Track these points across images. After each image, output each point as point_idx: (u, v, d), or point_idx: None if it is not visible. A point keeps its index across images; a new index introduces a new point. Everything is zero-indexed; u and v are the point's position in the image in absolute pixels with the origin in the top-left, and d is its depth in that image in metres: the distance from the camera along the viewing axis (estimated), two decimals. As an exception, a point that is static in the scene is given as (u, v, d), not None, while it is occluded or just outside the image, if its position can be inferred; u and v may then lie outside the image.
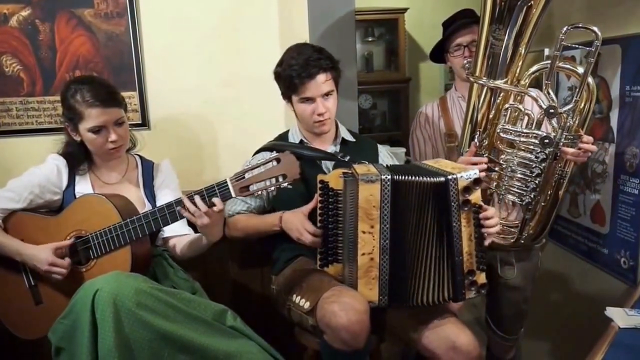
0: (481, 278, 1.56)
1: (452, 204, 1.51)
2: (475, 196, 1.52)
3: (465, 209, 1.52)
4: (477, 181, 1.52)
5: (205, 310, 1.56)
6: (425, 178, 1.52)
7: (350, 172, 1.61)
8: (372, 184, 1.50)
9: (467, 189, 1.51)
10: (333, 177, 1.65)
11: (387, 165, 1.73)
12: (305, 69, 1.74)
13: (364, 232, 1.52)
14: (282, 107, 2.20)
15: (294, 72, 1.75)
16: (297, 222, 1.72)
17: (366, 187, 1.50)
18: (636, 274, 1.85)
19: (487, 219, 1.56)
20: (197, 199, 1.55)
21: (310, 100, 1.79)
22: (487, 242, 1.59)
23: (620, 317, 1.55)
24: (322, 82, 1.77)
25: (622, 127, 1.87)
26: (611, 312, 1.59)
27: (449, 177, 1.50)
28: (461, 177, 1.50)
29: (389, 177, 1.50)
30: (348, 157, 1.83)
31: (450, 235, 1.52)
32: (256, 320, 1.78)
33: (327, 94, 1.80)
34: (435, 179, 1.52)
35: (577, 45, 1.67)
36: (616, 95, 1.89)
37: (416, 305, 1.57)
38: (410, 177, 1.52)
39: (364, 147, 1.95)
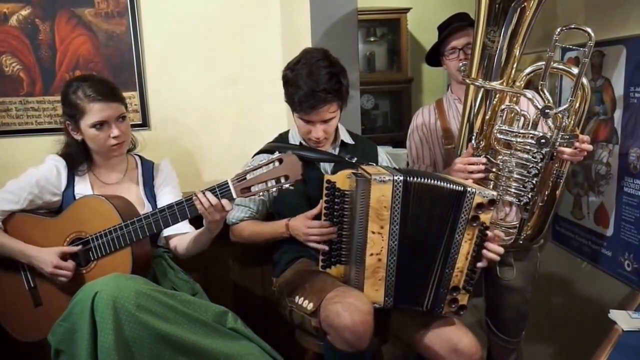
0: (464, 299, 1.55)
1: (462, 215, 1.49)
2: (486, 216, 1.50)
3: (474, 224, 1.50)
4: (492, 202, 1.50)
5: (206, 311, 1.56)
6: (440, 183, 1.51)
7: (360, 172, 1.60)
8: (384, 184, 1.49)
9: (481, 206, 1.49)
10: (340, 178, 1.65)
11: (398, 168, 1.72)
12: (310, 99, 1.69)
13: (373, 233, 1.51)
14: (284, 108, 2.19)
15: (297, 97, 1.71)
16: (301, 226, 1.73)
17: (378, 188, 1.49)
18: (640, 276, 1.84)
19: (493, 242, 1.55)
20: (209, 194, 1.54)
21: (309, 122, 1.78)
22: (481, 265, 1.55)
23: (624, 319, 1.55)
24: (324, 111, 1.74)
25: (625, 128, 1.86)
26: (615, 314, 1.58)
27: (468, 189, 1.48)
28: (479, 193, 1.48)
29: (401, 178, 1.49)
30: (355, 159, 1.82)
31: (449, 246, 1.51)
32: (257, 322, 1.78)
33: (329, 119, 1.77)
34: (453, 186, 1.50)
35: (571, 46, 1.71)
36: (620, 96, 1.88)
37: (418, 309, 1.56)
38: (423, 180, 1.51)
39: (364, 150, 1.94)
